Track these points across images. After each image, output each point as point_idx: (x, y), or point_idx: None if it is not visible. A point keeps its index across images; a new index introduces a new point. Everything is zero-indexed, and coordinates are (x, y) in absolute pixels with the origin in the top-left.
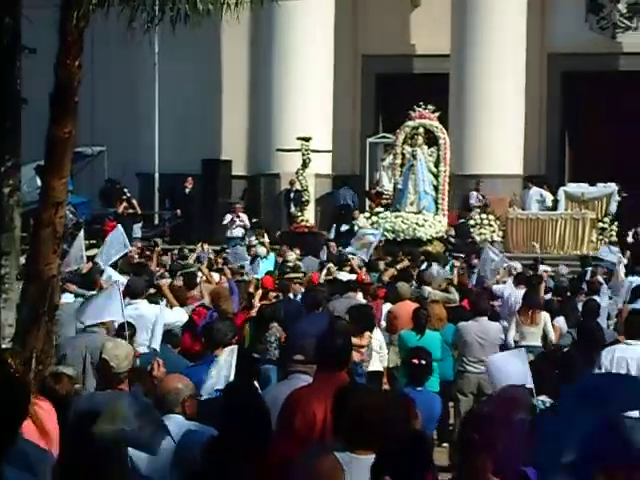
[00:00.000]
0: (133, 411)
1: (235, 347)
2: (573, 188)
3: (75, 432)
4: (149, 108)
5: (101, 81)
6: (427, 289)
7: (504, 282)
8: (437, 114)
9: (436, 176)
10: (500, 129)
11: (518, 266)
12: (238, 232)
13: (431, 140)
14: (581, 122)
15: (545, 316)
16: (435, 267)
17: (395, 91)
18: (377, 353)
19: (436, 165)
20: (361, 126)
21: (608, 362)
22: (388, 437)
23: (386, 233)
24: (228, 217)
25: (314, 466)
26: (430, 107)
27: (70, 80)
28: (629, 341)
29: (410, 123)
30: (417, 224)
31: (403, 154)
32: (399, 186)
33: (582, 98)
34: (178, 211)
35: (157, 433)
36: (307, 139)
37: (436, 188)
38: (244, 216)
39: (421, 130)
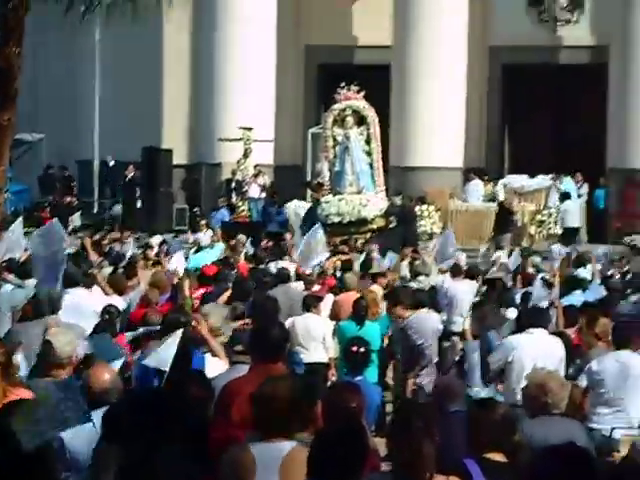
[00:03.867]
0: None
1: (180, 331)
2: (513, 180)
3: None
4: (89, 95)
5: (41, 68)
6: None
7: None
8: (362, 93)
9: (369, 154)
10: (441, 121)
11: (462, 257)
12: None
13: (359, 119)
14: (521, 115)
15: None
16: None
17: (337, 82)
18: (321, 343)
19: (367, 143)
20: (303, 117)
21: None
22: (323, 426)
23: (332, 216)
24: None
25: (227, 457)
26: (354, 87)
27: (10, 67)
28: (531, 330)
29: (336, 106)
30: (361, 204)
31: (334, 137)
32: (336, 168)
33: (523, 91)
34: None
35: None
36: (249, 129)
37: (370, 165)
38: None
39: (349, 111)
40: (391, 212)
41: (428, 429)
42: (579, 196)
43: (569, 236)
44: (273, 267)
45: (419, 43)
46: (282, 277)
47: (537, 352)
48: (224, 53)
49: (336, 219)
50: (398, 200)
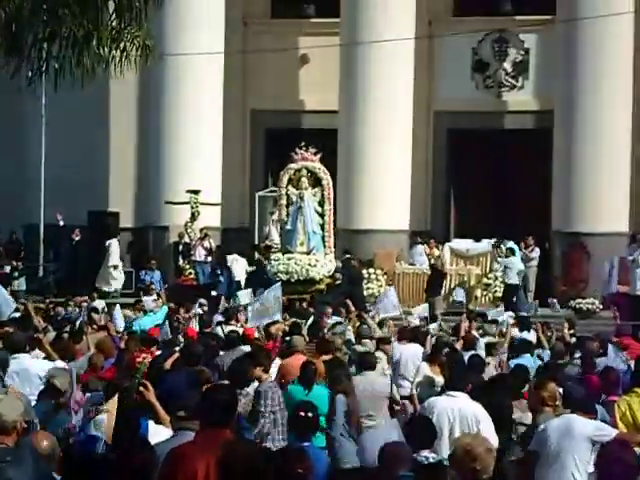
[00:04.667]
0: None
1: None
2: (458, 244)
3: None
4: (35, 159)
5: None
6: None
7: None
8: (318, 156)
9: (322, 215)
10: (387, 185)
11: (416, 321)
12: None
13: (314, 181)
14: (466, 178)
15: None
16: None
17: (284, 146)
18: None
19: (321, 204)
20: (250, 180)
21: (430, 413)
22: None
23: (280, 274)
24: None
25: None
26: (311, 150)
27: None
28: (451, 392)
29: (293, 165)
30: (309, 264)
31: (288, 195)
32: (288, 227)
33: (468, 155)
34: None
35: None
36: (196, 192)
37: (322, 227)
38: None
39: (304, 172)
40: (338, 273)
41: None
42: (530, 260)
43: (510, 292)
44: (220, 331)
45: (365, 108)
46: (231, 340)
47: (454, 415)
48: (171, 117)
49: (284, 277)
50: (339, 263)
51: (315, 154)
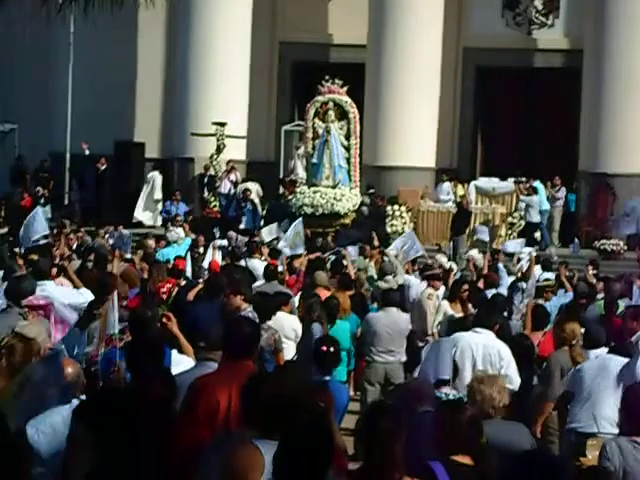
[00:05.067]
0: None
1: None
2: (484, 182)
3: None
4: (63, 87)
5: (15, 59)
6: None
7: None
8: (345, 88)
9: (347, 149)
10: (414, 121)
11: (443, 260)
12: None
13: (341, 114)
14: (494, 117)
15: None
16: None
17: (311, 79)
18: (293, 341)
19: (347, 138)
20: (277, 113)
21: (455, 347)
22: (291, 424)
23: (305, 208)
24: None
25: (233, 454)
26: (338, 82)
27: None
28: (477, 329)
29: (319, 98)
30: (335, 198)
31: (314, 128)
32: (314, 160)
33: (496, 93)
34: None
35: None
36: (222, 124)
37: (348, 161)
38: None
39: (331, 104)
40: (362, 209)
41: (396, 431)
42: (557, 199)
43: (530, 231)
44: (244, 264)
45: (394, 43)
46: (269, 274)
47: (477, 351)
48: (199, 49)
49: (309, 210)
50: (367, 199)
51: (342, 87)
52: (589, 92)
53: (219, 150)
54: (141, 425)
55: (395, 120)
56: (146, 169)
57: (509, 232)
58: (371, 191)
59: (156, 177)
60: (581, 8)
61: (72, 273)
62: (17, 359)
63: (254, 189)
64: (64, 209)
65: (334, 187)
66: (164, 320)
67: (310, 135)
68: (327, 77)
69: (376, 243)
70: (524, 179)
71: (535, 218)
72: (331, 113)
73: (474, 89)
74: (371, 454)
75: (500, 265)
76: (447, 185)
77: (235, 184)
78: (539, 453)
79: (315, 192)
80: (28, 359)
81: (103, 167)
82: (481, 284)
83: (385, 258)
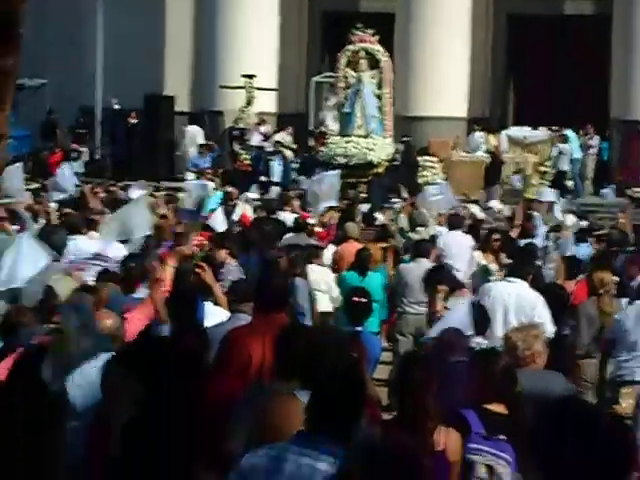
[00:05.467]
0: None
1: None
2: (516, 132)
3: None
4: (92, 42)
5: (45, 13)
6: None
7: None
8: (377, 37)
9: (380, 98)
10: (445, 71)
11: (476, 210)
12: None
13: (373, 63)
14: (526, 65)
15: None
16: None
17: (341, 30)
18: (325, 294)
19: (379, 87)
20: (307, 65)
21: (487, 297)
22: (323, 374)
23: (338, 158)
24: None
25: (266, 405)
26: (369, 30)
27: (13, 10)
28: (510, 278)
29: (351, 47)
30: (367, 148)
31: (346, 77)
32: (346, 110)
33: (527, 41)
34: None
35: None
36: (251, 76)
37: (380, 110)
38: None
39: (363, 53)
40: (398, 155)
41: (429, 381)
42: (589, 147)
43: (561, 179)
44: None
45: None
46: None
47: (510, 300)
48: (228, 1)
49: (342, 160)
50: (402, 146)
51: (373, 35)
52: (620, 39)
53: (249, 102)
54: (173, 377)
55: (425, 70)
56: (176, 122)
57: (541, 181)
58: (405, 139)
59: (197, 132)
60: None
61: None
62: None
63: (287, 140)
64: (96, 163)
65: (366, 137)
66: (198, 270)
67: (342, 85)
68: (358, 25)
69: (405, 195)
70: (556, 128)
71: (566, 166)
72: (362, 62)
73: (505, 37)
74: (404, 404)
75: (535, 214)
76: (479, 135)
77: (265, 137)
78: (572, 400)
79: (348, 142)
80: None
81: (133, 121)
82: (515, 234)
83: (415, 210)
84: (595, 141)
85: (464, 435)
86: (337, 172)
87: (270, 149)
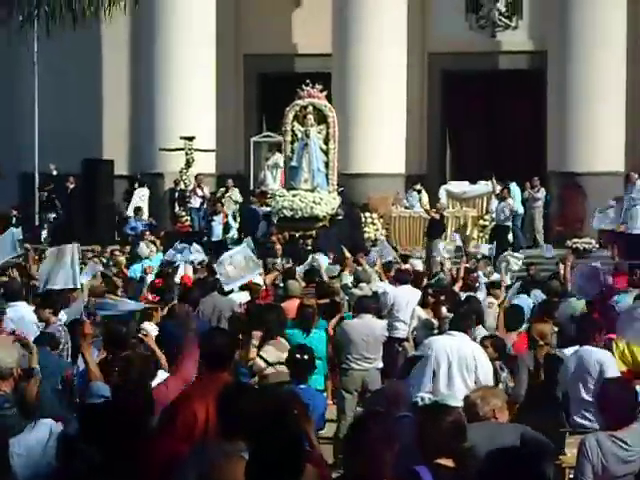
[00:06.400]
0: None
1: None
2: (455, 187)
3: None
4: (28, 107)
5: None
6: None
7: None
8: (324, 93)
9: (326, 153)
10: (382, 128)
11: (418, 262)
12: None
13: (320, 118)
14: (461, 121)
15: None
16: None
17: (278, 90)
18: None
19: (325, 142)
20: (245, 125)
21: (430, 350)
22: (263, 435)
23: (284, 211)
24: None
25: (225, 466)
26: (318, 86)
27: None
28: (452, 332)
29: (299, 102)
30: (314, 202)
31: (293, 132)
32: (293, 164)
33: (462, 97)
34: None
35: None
36: (190, 138)
37: (326, 165)
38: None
39: (311, 109)
40: (340, 209)
41: (388, 438)
42: (536, 200)
43: (501, 233)
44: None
45: (358, 50)
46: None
47: (452, 354)
48: (163, 63)
49: (288, 213)
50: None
51: (321, 91)
52: (554, 92)
53: (188, 164)
54: (119, 440)
55: (362, 128)
56: (116, 186)
57: (481, 235)
58: (340, 189)
59: (145, 193)
60: (544, 9)
61: None
62: None
63: (235, 196)
64: (34, 230)
65: (313, 191)
66: (140, 335)
67: (289, 139)
68: (307, 81)
69: (347, 254)
70: (492, 181)
71: (508, 221)
72: (310, 117)
73: (440, 93)
74: (357, 462)
75: (479, 272)
76: (415, 193)
77: (203, 199)
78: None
79: (294, 195)
80: None
81: (72, 186)
82: (457, 287)
83: (359, 267)
84: (541, 194)
85: None
86: (245, 244)
87: (211, 209)
